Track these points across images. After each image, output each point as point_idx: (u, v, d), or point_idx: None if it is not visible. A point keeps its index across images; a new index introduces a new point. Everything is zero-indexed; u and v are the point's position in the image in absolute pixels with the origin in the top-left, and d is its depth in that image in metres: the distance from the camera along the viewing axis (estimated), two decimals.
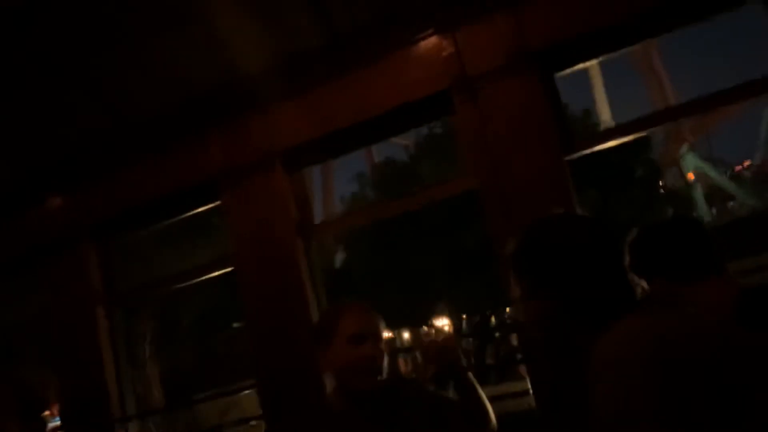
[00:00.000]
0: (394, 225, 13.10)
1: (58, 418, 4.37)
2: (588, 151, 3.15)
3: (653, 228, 2.08)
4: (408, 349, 14.63)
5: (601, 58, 3.19)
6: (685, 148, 27.37)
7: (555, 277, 1.35)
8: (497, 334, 16.36)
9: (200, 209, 4.18)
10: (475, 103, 3.17)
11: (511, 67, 3.09)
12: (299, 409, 2.51)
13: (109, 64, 3.57)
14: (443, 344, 2.18)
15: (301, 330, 3.41)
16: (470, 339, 15.25)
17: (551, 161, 3.06)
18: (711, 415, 1.04)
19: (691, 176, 26.77)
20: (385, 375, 2.04)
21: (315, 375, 3.40)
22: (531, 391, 3.03)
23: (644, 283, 1.97)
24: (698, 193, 26.42)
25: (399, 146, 17.04)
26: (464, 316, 17.01)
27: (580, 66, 3.27)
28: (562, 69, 3.21)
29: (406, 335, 17.19)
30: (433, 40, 3.27)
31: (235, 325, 16.06)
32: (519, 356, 7.72)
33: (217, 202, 3.95)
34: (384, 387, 2.03)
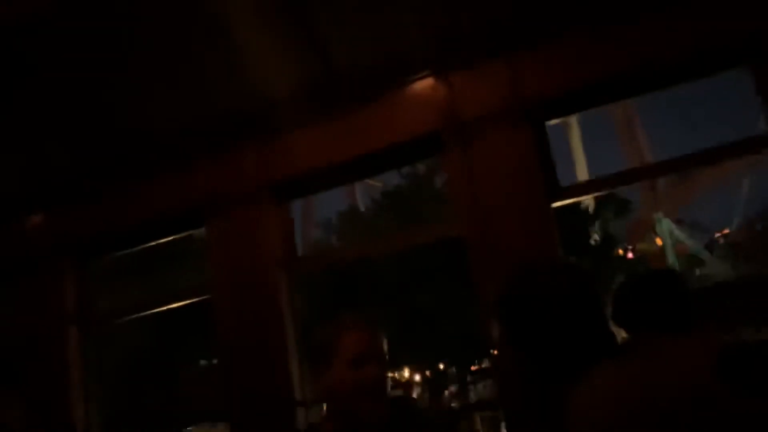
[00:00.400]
0: (354, 275, 13.31)
1: None
2: (575, 200, 3.19)
3: (636, 280, 2.10)
4: None
5: (584, 112, 3.24)
6: (660, 214, 27.75)
7: (533, 327, 1.36)
8: (450, 388, 16.33)
9: (183, 234, 4.15)
10: (466, 146, 3.20)
11: (503, 114, 3.13)
12: None
13: (97, 89, 3.56)
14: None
15: (279, 363, 3.36)
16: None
17: (538, 208, 3.09)
18: None
19: (659, 242, 27.00)
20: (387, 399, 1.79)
21: (288, 414, 3.35)
22: None
23: (624, 334, 1.99)
24: (672, 257, 26.69)
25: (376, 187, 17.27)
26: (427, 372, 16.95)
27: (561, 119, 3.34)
28: (554, 117, 3.26)
29: None
30: (428, 82, 3.32)
31: (202, 362, 15.70)
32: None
33: (201, 229, 3.92)
34: (389, 417, 1.75)
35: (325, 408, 1.77)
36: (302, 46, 3.27)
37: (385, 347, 1.80)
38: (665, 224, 27.33)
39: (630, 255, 20.65)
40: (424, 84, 3.35)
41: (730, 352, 1.82)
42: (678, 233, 27.91)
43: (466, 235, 3.19)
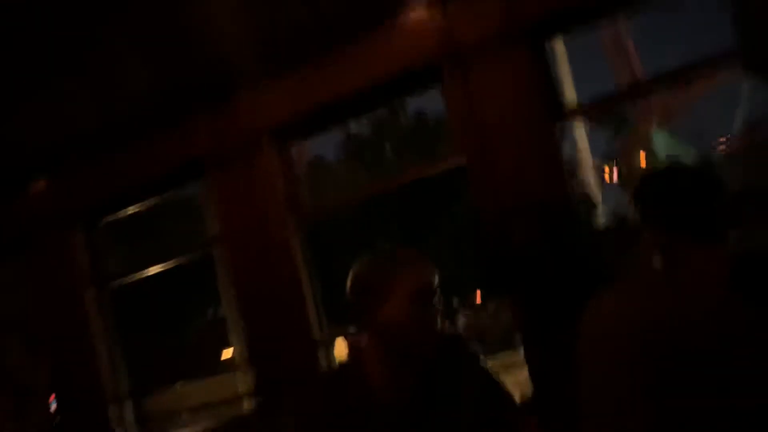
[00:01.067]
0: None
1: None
2: (578, 119, 3.14)
3: (664, 175, 1.96)
4: None
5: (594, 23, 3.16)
6: (655, 128, 27.19)
7: (522, 277, 1.36)
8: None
9: (187, 189, 4.15)
10: (465, 74, 3.14)
11: (501, 37, 3.06)
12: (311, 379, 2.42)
13: (95, 49, 3.50)
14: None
15: (296, 305, 3.41)
16: None
17: (540, 131, 3.05)
18: (683, 389, 1.04)
19: (643, 164, 26.39)
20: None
21: (309, 354, 3.42)
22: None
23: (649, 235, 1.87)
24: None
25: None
26: None
27: None
28: (556, 36, 3.18)
29: None
30: (422, 12, 3.23)
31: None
32: None
33: (204, 181, 3.91)
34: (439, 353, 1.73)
35: (367, 340, 1.71)
36: None
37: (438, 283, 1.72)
38: (661, 138, 26.87)
39: (610, 178, 19.55)
40: (419, 13, 3.26)
41: (746, 261, 1.79)
42: (678, 145, 27.53)
43: (468, 163, 3.17)
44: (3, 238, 4.34)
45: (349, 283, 1.75)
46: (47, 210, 4.18)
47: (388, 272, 1.69)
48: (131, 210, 4.50)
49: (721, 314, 1.17)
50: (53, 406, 4.39)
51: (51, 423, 4.02)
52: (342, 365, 1.84)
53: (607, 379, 1.09)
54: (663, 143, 27.05)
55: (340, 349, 3.66)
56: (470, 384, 1.75)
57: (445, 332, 1.73)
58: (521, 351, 3.03)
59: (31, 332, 4.47)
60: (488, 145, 3.10)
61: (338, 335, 4.59)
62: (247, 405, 3.91)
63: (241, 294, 3.70)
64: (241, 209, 3.69)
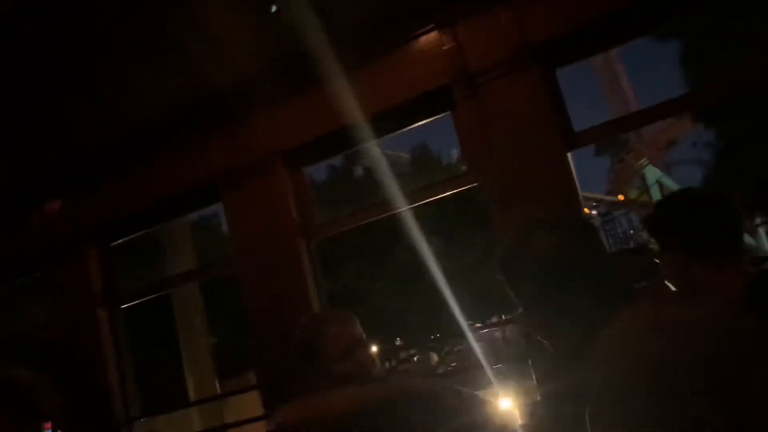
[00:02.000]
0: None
1: None
2: (589, 145, 3.14)
3: (681, 198, 1.96)
4: None
5: (603, 51, 3.17)
6: (645, 161, 27.01)
7: (537, 287, 1.33)
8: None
9: (201, 210, 4.18)
10: (476, 98, 3.16)
11: (511, 62, 3.08)
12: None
13: (110, 69, 3.56)
14: None
15: None
16: None
17: (553, 156, 3.05)
18: (705, 409, 1.02)
19: (621, 198, 26.09)
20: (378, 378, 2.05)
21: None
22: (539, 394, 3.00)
23: (660, 257, 1.88)
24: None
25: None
26: None
27: None
28: (564, 63, 3.20)
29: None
30: (433, 36, 3.27)
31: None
32: None
33: (219, 203, 3.94)
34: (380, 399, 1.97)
35: None
36: (302, 8, 3.22)
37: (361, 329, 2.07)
38: (652, 172, 26.59)
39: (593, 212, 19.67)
40: (429, 38, 3.30)
41: (762, 281, 1.78)
42: (667, 181, 27.11)
43: (481, 185, 3.18)
44: (18, 257, 4.38)
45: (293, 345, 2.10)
46: (61, 229, 4.22)
47: (316, 337, 2.01)
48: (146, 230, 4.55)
49: (736, 331, 1.15)
50: None
51: None
52: None
53: (627, 396, 1.07)
54: (653, 176, 26.68)
55: None
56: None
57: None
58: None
59: (44, 352, 4.48)
60: (501, 168, 3.11)
61: None
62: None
63: (252, 314, 3.70)
64: (254, 232, 3.71)
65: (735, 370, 1.06)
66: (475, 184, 3.28)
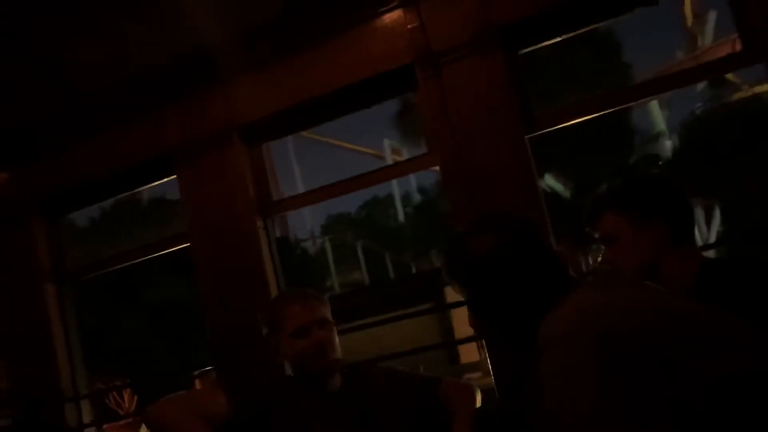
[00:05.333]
0: None
1: None
2: (550, 129, 3.15)
3: (638, 181, 1.98)
4: None
5: (567, 35, 3.17)
6: None
7: (479, 293, 1.40)
8: None
9: (154, 184, 4.07)
10: (439, 78, 3.13)
11: (475, 43, 3.06)
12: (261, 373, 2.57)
13: (60, 36, 3.40)
14: None
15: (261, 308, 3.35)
16: None
17: (514, 139, 3.05)
18: (658, 390, 1.04)
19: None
20: (338, 356, 2.21)
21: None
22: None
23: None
24: None
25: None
26: None
27: None
28: (527, 46, 3.19)
29: None
30: (397, 14, 3.21)
31: None
32: None
33: (172, 177, 3.84)
34: (340, 368, 2.22)
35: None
36: None
37: (326, 312, 2.22)
38: None
39: None
40: (392, 16, 3.25)
41: (710, 268, 1.82)
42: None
43: (442, 167, 3.16)
44: None
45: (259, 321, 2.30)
46: (6, 201, 4.07)
47: (276, 314, 2.20)
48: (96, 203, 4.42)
49: (675, 313, 1.18)
50: None
51: None
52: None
53: (574, 375, 1.08)
54: None
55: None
56: (384, 390, 2.22)
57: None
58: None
59: None
60: (462, 150, 3.10)
61: None
62: None
63: (206, 292, 3.64)
64: (209, 207, 3.63)
65: (671, 350, 1.08)
66: (435, 167, 3.26)
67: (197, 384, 3.74)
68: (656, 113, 22.67)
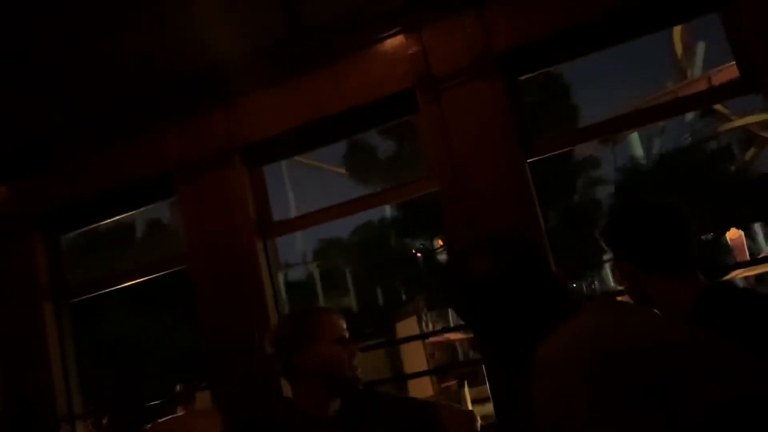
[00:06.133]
0: None
1: None
2: (549, 155, 3.18)
3: (637, 209, 2.00)
4: None
5: (564, 62, 3.22)
6: None
7: (475, 315, 1.38)
8: None
9: (155, 203, 4.09)
10: (439, 103, 3.16)
11: (475, 69, 3.10)
12: (262, 403, 2.53)
13: (62, 53, 3.44)
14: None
15: (259, 329, 3.35)
16: None
17: (513, 164, 3.08)
18: (645, 416, 1.04)
19: None
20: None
21: (273, 375, 3.35)
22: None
23: (616, 266, 1.93)
24: None
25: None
26: None
27: None
28: (527, 72, 3.23)
29: None
30: (399, 39, 3.26)
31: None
32: None
33: (172, 198, 3.86)
34: (363, 384, 2.22)
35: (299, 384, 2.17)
36: (267, 4, 3.18)
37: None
38: None
39: None
40: (394, 41, 3.29)
41: (710, 295, 1.82)
42: None
43: (442, 190, 3.18)
44: None
45: (277, 333, 2.25)
46: (6, 218, 4.08)
47: (316, 321, 2.20)
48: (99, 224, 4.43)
49: (673, 338, 1.17)
50: None
51: None
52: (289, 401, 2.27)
53: (568, 399, 1.08)
54: None
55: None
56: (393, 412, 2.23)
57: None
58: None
59: None
60: (461, 174, 3.12)
61: None
62: None
63: (204, 313, 3.63)
64: (209, 228, 3.64)
65: (664, 375, 1.08)
66: (434, 189, 3.28)
67: (179, 409, 3.72)
68: (635, 144, 22.98)
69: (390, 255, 22.03)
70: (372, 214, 23.70)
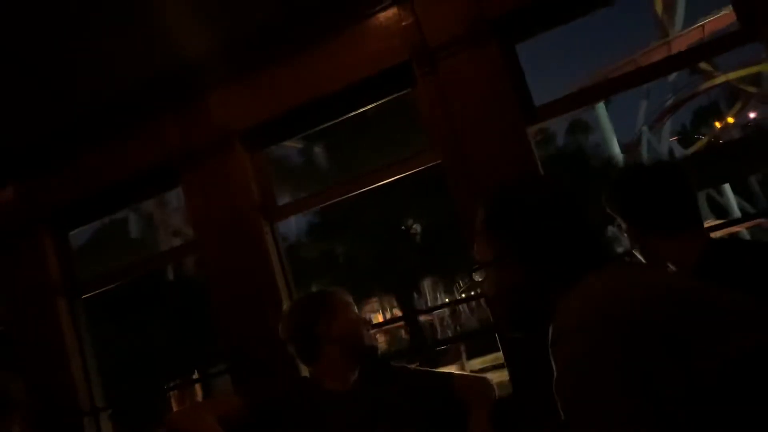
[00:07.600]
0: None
1: None
2: (550, 120, 3.15)
3: (639, 174, 2.01)
4: None
5: (559, 26, 3.17)
6: None
7: (529, 240, 1.33)
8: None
9: (161, 193, 4.10)
10: (436, 74, 3.14)
11: (470, 37, 3.06)
12: (283, 383, 2.57)
13: (58, 49, 3.42)
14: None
15: (270, 311, 3.37)
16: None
17: (513, 132, 3.06)
18: (667, 374, 1.04)
19: None
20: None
21: (286, 356, 3.38)
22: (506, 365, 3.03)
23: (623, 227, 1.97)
24: None
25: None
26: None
27: None
28: (523, 39, 3.19)
29: None
30: (392, 12, 3.22)
31: None
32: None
33: (177, 187, 3.86)
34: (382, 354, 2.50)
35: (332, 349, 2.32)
36: None
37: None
38: None
39: None
40: (387, 14, 3.26)
41: (715, 249, 1.83)
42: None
43: (443, 161, 3.17)
44: None
45: (296, 310, 2.42)
46: (15, 214, 4.10)
47: (333, 296, 2.40)
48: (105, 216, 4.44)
49: (682, 294, 1.17)
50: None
51: None
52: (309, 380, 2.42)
53: (589, 364, 1.08)
54: None
55: None
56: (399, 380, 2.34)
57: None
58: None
59: (3, 344, 4.36)
60: (462, 144, 3.11)
61: None
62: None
63: (216, 298, 3.66)
64: (214, 214, 3.65)
65: (682, 330, 1.08)
66: (437, 162, 3.26)
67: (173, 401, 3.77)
68: (602, 114, 22.85)
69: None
70: None
